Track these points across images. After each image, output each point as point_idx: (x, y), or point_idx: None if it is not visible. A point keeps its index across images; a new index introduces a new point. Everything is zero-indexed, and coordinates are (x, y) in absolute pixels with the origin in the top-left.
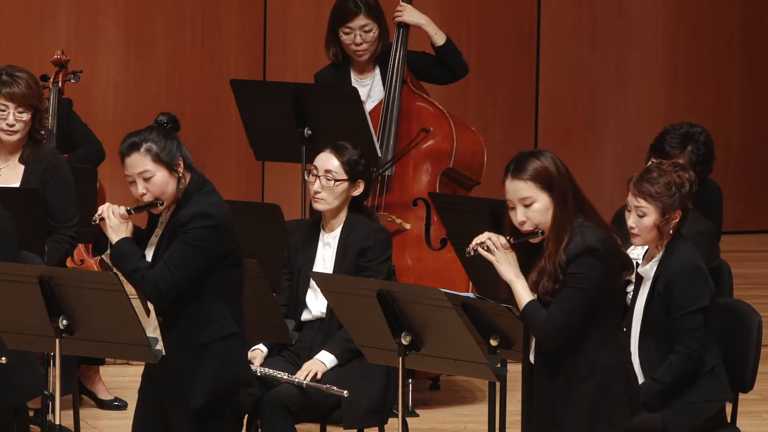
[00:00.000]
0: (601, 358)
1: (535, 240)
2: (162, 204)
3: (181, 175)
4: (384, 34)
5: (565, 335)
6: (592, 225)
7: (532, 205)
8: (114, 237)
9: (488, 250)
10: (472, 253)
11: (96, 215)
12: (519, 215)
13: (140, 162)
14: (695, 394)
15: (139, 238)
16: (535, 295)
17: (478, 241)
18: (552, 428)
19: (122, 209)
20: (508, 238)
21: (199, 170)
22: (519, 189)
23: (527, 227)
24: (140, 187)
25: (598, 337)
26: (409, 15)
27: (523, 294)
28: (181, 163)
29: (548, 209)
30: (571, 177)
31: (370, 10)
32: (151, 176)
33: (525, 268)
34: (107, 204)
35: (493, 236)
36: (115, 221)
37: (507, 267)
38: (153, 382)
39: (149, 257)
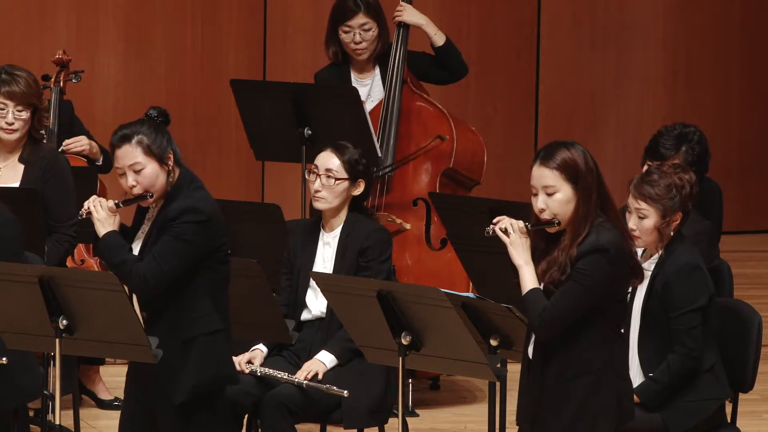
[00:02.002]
0: (594, 358)
1: (551, 230)
2: (151, 197)
3: (170, 168)
4: (383, 33)
5: (559, 328)
6: (611, 226)
7: (554, 195)
8: (101, 230)
9: (506, 232)
10: (490, 234)
11: (83, 209)
12: (540, 202)
13: (131, 154)
14: (694, 393)
15: (125, 234)
16: (542, 285)
17: (501, 225)
18: (536, 422)
19: (110, 202)
20: (526, 224)
21: (191, 168)
22: (544, 176)
23: (546, 215)
24: (130, 179)
25: (595, 337)
26: (409, 15)
27: (529, 280)
28: (172, 156)
29: (570, 201)
30: (599, 174)
31: (369, 8)
32: (141, 168)
33: (543, 257)
34: (94, 197)
35: (513, 220)
36: (102, 214)
37: (519, 251)
38: (138, 379)
39: (136, 252)
